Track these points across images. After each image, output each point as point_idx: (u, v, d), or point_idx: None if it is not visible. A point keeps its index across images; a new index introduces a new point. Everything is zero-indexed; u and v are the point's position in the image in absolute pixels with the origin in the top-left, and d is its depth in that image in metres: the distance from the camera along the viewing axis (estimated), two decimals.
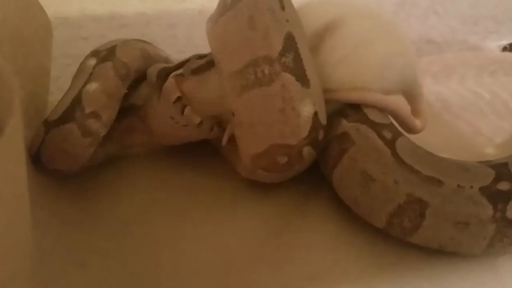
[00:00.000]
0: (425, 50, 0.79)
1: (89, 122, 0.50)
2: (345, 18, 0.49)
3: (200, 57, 0.51)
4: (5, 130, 0.28)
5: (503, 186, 0.41)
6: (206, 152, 0.57)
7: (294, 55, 0.44)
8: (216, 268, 0.46)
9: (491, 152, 0.58)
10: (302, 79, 0.44)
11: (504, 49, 0.81)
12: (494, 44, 0.81)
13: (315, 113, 0.45)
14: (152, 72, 0.52)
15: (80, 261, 0.46)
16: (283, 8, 0.46)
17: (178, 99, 0.49)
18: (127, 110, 0.54)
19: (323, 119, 0.46)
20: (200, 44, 0.77)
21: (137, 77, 0.56)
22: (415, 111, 0.51)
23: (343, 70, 0.48)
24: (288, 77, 0.44)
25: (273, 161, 0.47)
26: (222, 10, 0.48)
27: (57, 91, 0.57)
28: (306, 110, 0.44)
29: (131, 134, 0.56)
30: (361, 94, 0.48)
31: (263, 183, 0.51)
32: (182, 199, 0.53)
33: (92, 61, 0.54)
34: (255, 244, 0.48)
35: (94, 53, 0.55)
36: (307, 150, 0.46)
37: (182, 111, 0.49)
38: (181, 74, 0.49)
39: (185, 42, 0.65)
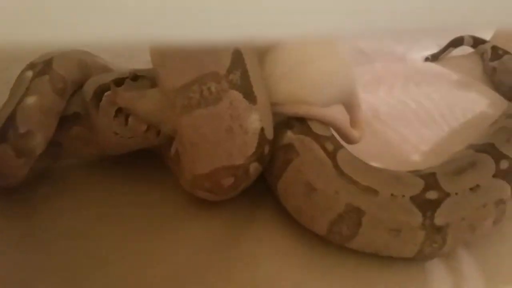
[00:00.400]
0: (356, 61, 0.82)
1: (23, 142, 0.48)
2: None
3: (135, 76, 0.49)
4: None
5: (432, 195, 0.45)
6: (153, 164, 0.57)
7: (241, 72, 0.43)
8: (165, 282, 0.46)
9: (417, 160, 0.62)
10: (249, 96, 0.44)
11: (427, 59, 0.86)
12: (418, 55, 0.86)
13: (262, 129, 0.45)
14: (88, 89, 0.51)
15: (21, 280, 0.45)
16: None
17: (119, 111, 0.48)
18: (73, 119, 0.52)
19: (269, 134, 0.47)
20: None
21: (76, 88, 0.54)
22: (353, 122, 0.54)
23: (285, 85, 0.49)
24: (235, 95, 0.43)
25: (218, 183, 0.47)
26: None
27: None
28: (253, 126, 0.44)
29: (82, 145, 0.54)
30: (301, 108, 0.49)
31: None
32: (129, 212, 0.52)
33: (28, 75, 0.52)
34: (203, 256, 0.49)
35: (31, 66, 0.53)
36: (253, 167, 0.47)
37: (126, 122, 0.48)
38: (115, 91, 0.48)
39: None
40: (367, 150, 0.54)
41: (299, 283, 0.47)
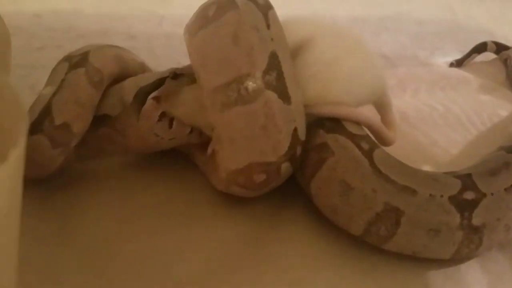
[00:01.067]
0: None
1: (59, 133, 0.48)
2: (316, 36, 0.51)
3: (176, 74, 0.50)
4: (8, 160, 0.26)
5: (469, 195, 0.44)
6: (181, 164, 0.57)
7: (277, 73, 0.45)
8: (196, 280, 0.46)
9: (447, 162, 0.62)
10: (284, 96, 0.45)
11: (451, 65, 0.86)
12: (441, 60, 0.86)
13: (295, 129, 0.46)
14: (128, 90, 0.51)
15: (56, 279, 0.45)
16: (268, 26, 0.46)
17: (162, 115, 0.49)
18: (101, 120, 0.52)
19: (302, 135, 0.47)
20: (161, 54, 0.77)
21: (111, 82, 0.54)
22: (386, 122, 0.54)
23: (315, 86, 0.49)
24: (271, 95, 0.44)
25: (251, 178, 0.47)
26: (202, 22, 0.47)
27: None
28: (287, 126, 0.45)
29: (107, 144, 0.54)
30: (333, 108, 0.49)
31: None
32: (159, 213, 0.52)
33: (64, 67, 0.51)
34: (234, 255, 0.48)
35: (67, 58, 0.53)
36: (285, 167, 0.47)
37: (170, 126, 0.49)
38: (158, 97, 0.49)
39: (146, 53, 0.64)
40: (396, 153, 0.53)
41: (337, 285, 0.46)
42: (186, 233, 0.50)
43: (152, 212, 0.52)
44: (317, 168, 0.48)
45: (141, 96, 0.50)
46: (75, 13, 0.87)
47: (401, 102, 0.73)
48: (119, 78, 0.54)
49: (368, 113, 0.52)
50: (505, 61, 0.85)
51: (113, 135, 0.53)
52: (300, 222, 0.52)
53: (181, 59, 0.74)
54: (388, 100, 0.54)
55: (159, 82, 0.50)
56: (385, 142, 0.53)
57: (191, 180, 0.56)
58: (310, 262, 0.48)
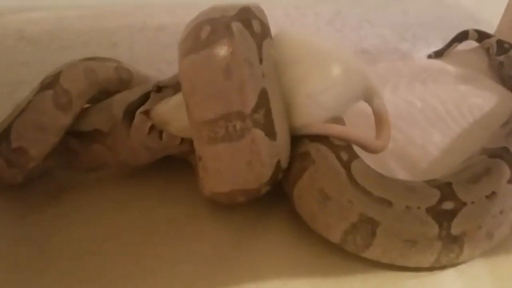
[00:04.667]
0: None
1: (14, 156, 0.48)
2: (301, 55, 0.48)
3: (159, 88, 0.49)
4: None
5: (448, 205, 0.43)
6: (162, 179, 0.56)
7: (265, 111, 0.43)
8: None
9: (422, 163, 0.59)
10: (271, 133, 0.44)
11: (429, 56, 0.83)
12: (424, 52, 0.83)
13: (278, 161, 0.45)
14: (117, 107, 0.51)
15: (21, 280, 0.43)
16: (261, 60, 0.43)
17: (152, 128, 0.49)
18: (93, 135, 0.52)
19: (284, 163, 0.47)
20: (142, 61, 0.75)
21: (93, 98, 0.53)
22: (377, 116, 0.51)
23: (296, 111, 0.47)
24: (258, 133, 0.43)
25: (232, 200, 0.48)
26: (194, 44, 0.43)
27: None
28: (271, 160, 0.45)
29: (99, 159, 0.53)
30: (321, 128, 0.48)
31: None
32: (139, 228, 0.50)
33: (36, 88, 0.51)
34: (208, 275, 0.46)
35: (43, 79, 0.52)
36: (265, 189, 0.47)
37: (160, 138, 0.49)
38: (147, 110, 0.49)
39: (128, 61, 0.62)
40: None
41: None
42: (168, 248, 0.48)
43: (130, 229, 0.50)
44: (299, 176, 0.47)
45: (130, 111, 0.50)
46: (57, 25, 0.85)
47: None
48: (91, 92, 0.53)
49: (351, 128, 0.50)
50: (487, 50, 0.82)
51: (104, 151, 0.52)
52: (283, 228, 0.51)
53: (161, 67, 0.72)
54: (376, 90, 0.51)
55: (145, 97, 0.50)
56: (374, 150, 0.50)
57: (172, 193, 0.54)
58: (285, 271, 0.46)
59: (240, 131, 0.42)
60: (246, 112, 0.42)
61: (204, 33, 0.42)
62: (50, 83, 0.50)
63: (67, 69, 0.52)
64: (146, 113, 0.49)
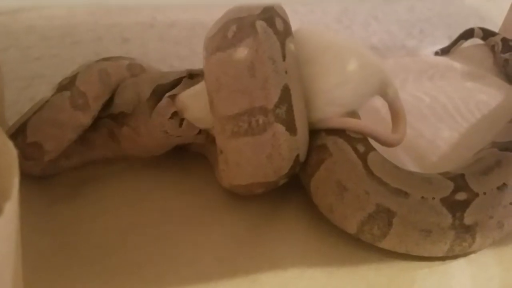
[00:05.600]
0: None
1: (29, 150, 0.50)
2: (320, 52, 0.49)
3: (192, 75, 0.51)
4: (3, 213, 0.26)
5: (461, 196, 0.44)
6: (179, 169, 0.56)
7: (287, 107, 0.44)
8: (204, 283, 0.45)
9: (431, 156, 0.60)
10: (291, 128, 0.45)
11: (436, 53, 0.84)
12: (430, 49, 0.84)
13: (297, 155, 0.47)
14: (145, 88, 0.51)
15: (52, 267, 0.45)
16: (284, 57, 0.45)
17: (174, 114, 0.49)
18: (121, 118, 0.53)
19: (302, 157, 0.48)
20: (154, 57, 0.76)
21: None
22: (393, 111, 0.52)
23: (313, 106, 0.48)
24: (279, 127, 0.44)
25: (251, 191, 0.50)
26: (221, 43, 0.45)
27: (17, 115, 0.54)
28: (290, 154, 0.46)
29: (129, 144, 0.54)
30: (338, 122, 0.49)
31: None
32: (159, 217, 0.51)
33: (53, 90, 0.52)
34: (228, 263, 0.47)
35: (59, 82, 0.53)
36: (283, 181, 0.48)
37: (180, 125, 0.50)
38: (175, 95, 0.49)
39: (139, 57, 0.64)
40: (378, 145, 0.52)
41: (324, 284, 0.46)
42: (188, 236, 0.50)
43: (152, 220, 0.51)
44: (316, 168, 0.48)
45: (159, 93, 0.50)
46: (69, 21, 0.85)
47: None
48: (106, 95, 0.54)
49: (367, 122, 0.51)
50: (492, 47, 0.83)
51: (131, 134, 0.53)
52: (299, 219, 0.52)
53: (174, 63, 0.73)
54: (393, 90, 0.52)
55: (176, 82, 0.51)
56: (391, 144, 0.51)
57: (188, 185, 0.55)
58: (301, 261, 0.47)
59: (262, 125, 0.44)
60: (268, 108, 0.44)
61: (231, 32, 0.44)
62: (67, 85, 0.52)
63: (84, 71, 0.53)
64: (173, 97, 0.50)
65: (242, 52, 0.43)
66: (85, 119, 0.52)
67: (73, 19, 0.86)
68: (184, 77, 0.51)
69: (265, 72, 0.43)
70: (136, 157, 0.57)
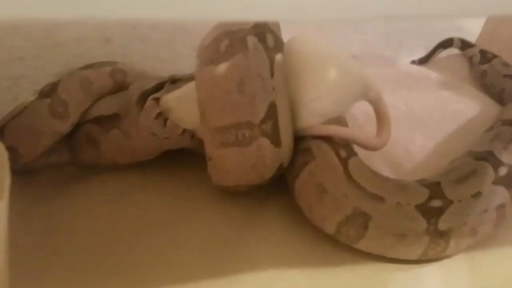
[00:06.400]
0: None
1: None
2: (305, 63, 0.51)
3: (174, 80, 0.52)
4: None
5: (436, 203, 0.45)
6: (162, 170, 0.57)
7: (273, 122, 0.47)
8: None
9: (408, 166, 0.61)
10: (276, 141, 0.47)
11: (412, 62, 0.85)
12: (407, 59, 0.86)
13: (281, 163, 0.49)
14: (133, 93, 0.54)
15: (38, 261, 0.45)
16: (272, 74, 0.46)
17: (159, 114, 0.51)
18: (112, 120, 0.54)
19: (286, 163, 0.50)
20: (137, 59, 0.76)
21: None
22: (379, 115, 0.53)
23: (296, 116, 0.50)
24: (264, 141, 0.47)
25: (237, 191, 0.53)
26: (214, 56, 0.46)
27: None
28: (274, 164, 0.49)
29: (116, 148, 0.56)
30: (322, 129, 0.50)
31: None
32: (141, 218, 0.52)
33: (34, 96, 0.53)
34: (209, 264, 0.48)
35: (42, 88, 0.54)
36: (267, 183, 0.50)
37: (164, 124, 0.51)
38: (157, 98, 0.51)
39: (121, 58, 0.64)
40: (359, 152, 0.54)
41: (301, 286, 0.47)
42: (170, 237, 0.50)
43: (135, 218, 0.52)
44: (300, 170, 0.50)
45: (144, 97, 0.52)
46: (52, 21, 0.84)
47: (366, 104, 0.72)
48: (87, 103, 0.55)
49: (351, 129, 0.53)
50: (470, 58, 0.84)
51: (120, 137, 0.55)
52: (280, 220, 0.53)
53: (156, 65, 0.73)
54: (375, 93, 0.54)
55: (159, 86, 0.53)
56: (373, 148, 0.52)
57: (171, 186, 0.56)
58: (281, 261, 0.48)
59: (248, 138, 0.46)
60: (255, 123, 0.46)
61: (223, 46, 0.45)
62: (48, 92, 0.52)
63: (65, 79, 0.54)
64: (157, 100, 0.52)
65: (233, 68, 0.45)
66: (63, 127, 0.53)
67: (55, 21, 0.85)
68: (166, 81, 0.53)
69: (253, 89, 0.45)
70: (113, 165, 0.57)
